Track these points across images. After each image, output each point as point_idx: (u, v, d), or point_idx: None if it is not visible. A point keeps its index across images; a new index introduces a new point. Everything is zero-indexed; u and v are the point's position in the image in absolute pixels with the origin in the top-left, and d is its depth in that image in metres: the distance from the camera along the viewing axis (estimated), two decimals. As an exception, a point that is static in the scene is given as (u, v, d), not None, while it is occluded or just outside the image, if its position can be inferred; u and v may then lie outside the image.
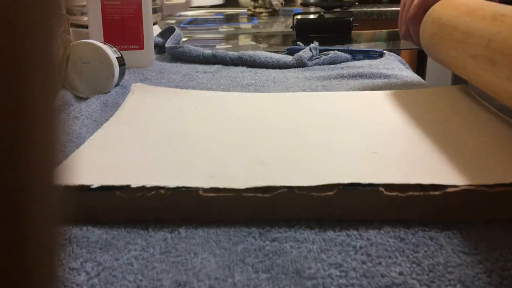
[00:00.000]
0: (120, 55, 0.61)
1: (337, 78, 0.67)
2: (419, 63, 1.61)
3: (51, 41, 0.12)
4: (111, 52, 0.58)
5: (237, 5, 1.74)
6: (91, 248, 0.29)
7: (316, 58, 0.78)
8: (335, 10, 1.40)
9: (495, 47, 0.41)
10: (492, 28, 0.42)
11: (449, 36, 0.51)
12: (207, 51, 0.80)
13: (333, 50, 0.80)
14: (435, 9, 0.57)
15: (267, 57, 0.76)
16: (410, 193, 0.31)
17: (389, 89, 0.60)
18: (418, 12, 0.60)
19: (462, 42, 0.47)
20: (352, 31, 1.03)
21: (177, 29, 0.90)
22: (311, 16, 1.23)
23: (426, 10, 0.59)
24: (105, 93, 0.57)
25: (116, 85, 0.61)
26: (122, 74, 0.61)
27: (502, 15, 0.43)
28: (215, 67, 0.77)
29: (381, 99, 0.54)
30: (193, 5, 1.14)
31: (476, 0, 0.51)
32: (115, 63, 0.58)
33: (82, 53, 0.57)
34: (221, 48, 0.92)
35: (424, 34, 0.58)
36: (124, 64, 0.62)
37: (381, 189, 0.31)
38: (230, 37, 1.12)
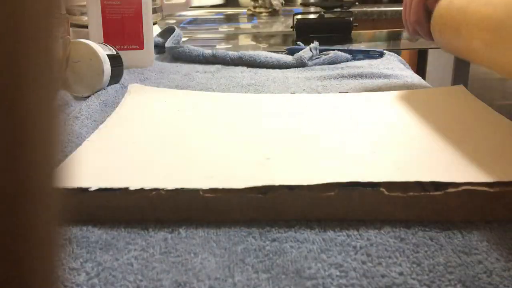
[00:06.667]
0: (115, 53, 0.61)
1: (337, 78, 0.67)
2: (419, 63, 1.61)
3: (52, 41, 0.12)
4: (100, 49, 0.58)
5: (237, 5, 1.74)
6: (91, 248, 0.29)
7: (316, 58, 0.78)
8: (335, 10, 1.40)
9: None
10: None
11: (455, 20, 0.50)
12: (207, 51, 0.80)
13: (333, 50, 0.80)
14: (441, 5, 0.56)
15: (267, 57, 0.76)
16: (411, 193, 0.31)
17: (389, 89, 0.60)
18: (419, 15, 0.60)
19: (468, 22, 0.47)
20: (352, 31, 1.03)
21: (177, 29, 0.90)
22: (311, 16, 1.23)
23: (427, 10, 0.59)
24: (98, 90, 0.57)
25: (116, 83, 0.60)
26: (119, 72, 0.61)
27: None
28: (215, 67, 0.77)
29: (381, 99, 0.54)
30: (193, 5, 1.14)
31: None
32: (105, 59, 0.58)
33: (72, 52, 0.57)
34: (221, 48, 0.92)
35: (434, 30, 0.57)
36: (120, 63, 0.61)
37: (382, 189, 0.31)
38: (230, 37, 1.11)
